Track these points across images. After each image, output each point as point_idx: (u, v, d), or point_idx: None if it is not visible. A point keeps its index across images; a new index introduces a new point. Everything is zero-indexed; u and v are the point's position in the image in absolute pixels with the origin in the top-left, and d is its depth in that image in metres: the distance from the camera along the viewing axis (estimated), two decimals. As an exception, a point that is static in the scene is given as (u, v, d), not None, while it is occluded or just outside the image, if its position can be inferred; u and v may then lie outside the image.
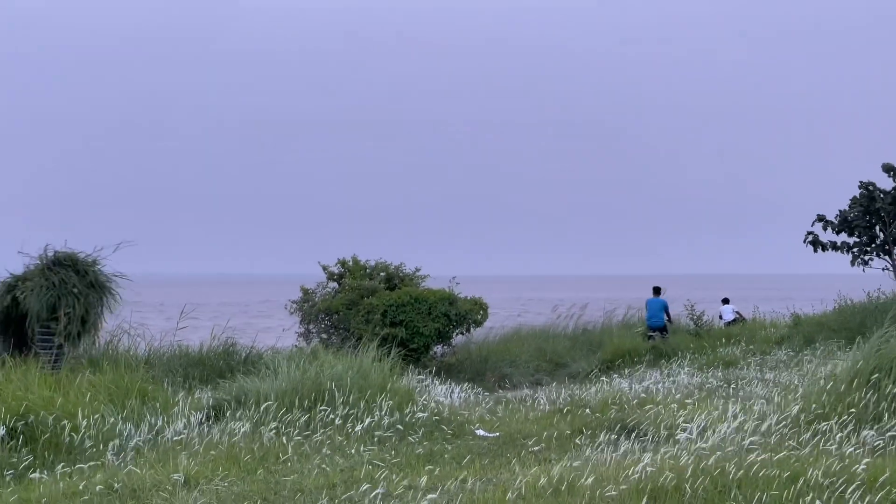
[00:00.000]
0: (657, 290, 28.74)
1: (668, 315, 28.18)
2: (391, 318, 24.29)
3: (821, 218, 29.79)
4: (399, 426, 12.81)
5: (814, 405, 11.27)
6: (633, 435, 11.71)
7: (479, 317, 25.47)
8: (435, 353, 25.45)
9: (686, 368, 21.61)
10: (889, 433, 10.03)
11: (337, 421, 12.67)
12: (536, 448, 11.67)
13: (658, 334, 27.39)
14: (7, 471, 10.81)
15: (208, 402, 14.08)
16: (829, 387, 11.56)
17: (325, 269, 26.83)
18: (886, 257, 28.72)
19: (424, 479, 9.50)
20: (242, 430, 12.24)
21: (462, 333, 25.68)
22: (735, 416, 11.70)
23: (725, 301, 33.51)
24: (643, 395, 16.57)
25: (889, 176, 28.76)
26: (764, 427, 10.77)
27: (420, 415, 13.47)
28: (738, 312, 32.58)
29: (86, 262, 17.39)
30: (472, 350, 25.62)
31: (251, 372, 15.11)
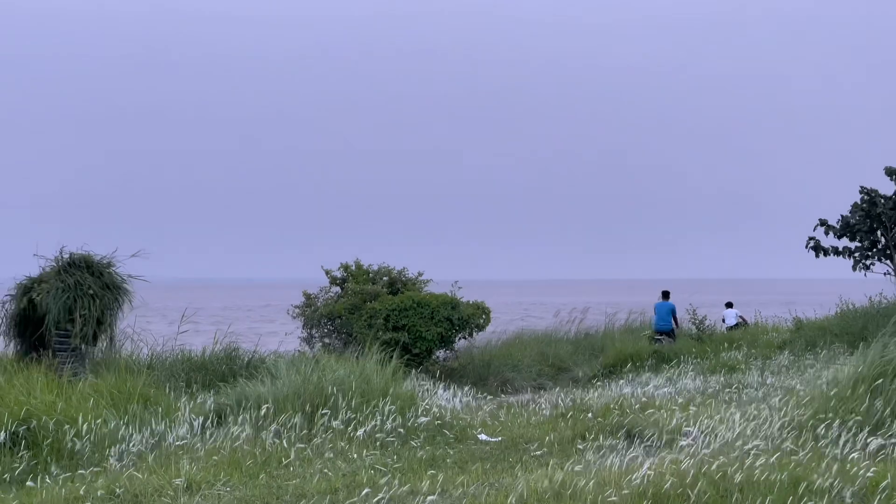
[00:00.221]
0: (666, 294, 28.91)
1: (676, 319, 28.36)
2: (394, 322, 24.29)
3: (823, 222, 29.79)
4: (401, 431, 12.81)
5: (816, 410, 11.27)
6: (636, 439, 11.72)
7: (482, 321, 25.49)
8: (437, 357, 25.45)
9: (688, 373, 21.60)
10: (891, 438, 10.03)
11: (339, 425, 12.67)
12: (538, 452, 11.67)
13: (665, 338, 27.51)
14: (9, 476, 10.83)
15: (210, 407, 14.08)
16: (831, 392, 11.56)
17: (327, 273, 26.85)
18: (888, 262, 28.71)
19: (427, 483, 9.51)
20: (244, 434, 12.25)
21: (464, 338, 25.70)
22: (737, 421, 11.70)
23: (729, 305, 33.51)
24: (645, 399, 16.56)
25: (891, 179, 28.75)
26: (766, 432, 10.78)
27: (422, 419, 13.47)
28: (741, 317, 32.59)
29: (101, 263, 17.63)
30: (475, 354, 25.61)
31: (253, 376, 15.12)
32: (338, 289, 26.63)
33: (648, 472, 8.63)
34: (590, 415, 14.76)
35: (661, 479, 8.45)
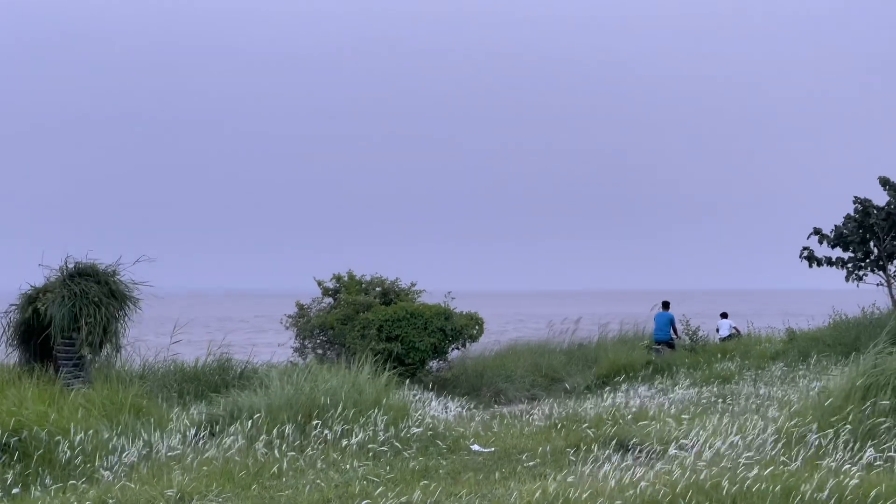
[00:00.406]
0: (666, 305, 29.17)
1: (675, 329, 28.56)
2: (387, 333, 24.30)
3: (817, 231, 29.78)
4: (394, 441, 12.78)
5: (808, 420, 11.26)
6: (629, 450, 11.71)
7: (475, 332, 25.53)
8: (431, 367, 25.47)
9: (681, 383, 21.60)
10: (883, 449, 10.03)
11: (332, 436, 12.64)
12: (531, 463, 11.65)
13: (664, 348, 27.68)
14: (0, 487, 10.79)
15: (202, 418, 14.05)
16: (824, 403, 11.55)
17: (320, 284, 26.86)
18: (881, 273, 28.73)
19: (419, 494, 9.49)
20: (237, 445, 12.21)
21: (458, 348, 25.74)
22: (730, 432, 11.69)
23: (724, 315, 33.56)
24: (638, 410, 16.55)
25: (885, 189, 28.78)
26: (758, 442, 10.77)
27: (415, 430, 13.44)
28: (734, 328, 32.60)
29: (106, 272, 17.68)
30: (468, 365, 25.61)
31: (246, 387, 15.09)
32: (331, 300, 26.65)
33: (642, 483, 8.63)
34: (583, 425, 14.74)
35: (654, 490, 8.44)
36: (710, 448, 10.68)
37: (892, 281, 28.52)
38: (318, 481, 10.64)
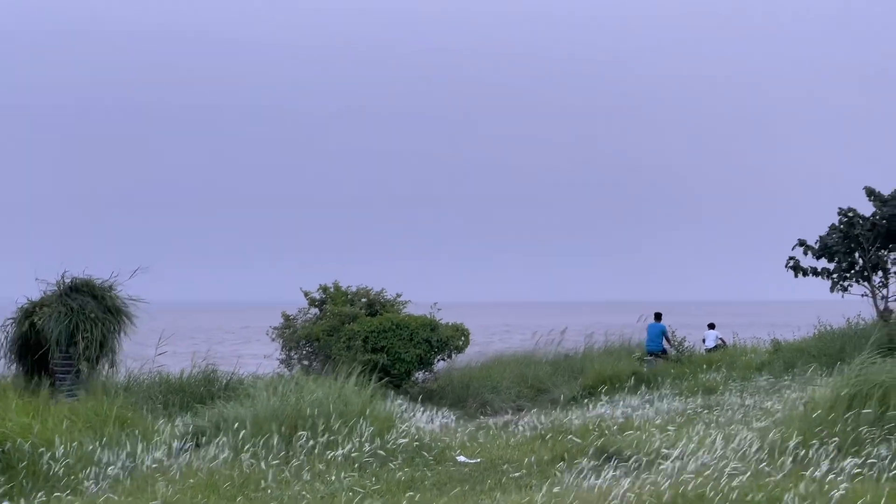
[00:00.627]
0: (658, 316, 29.32)
1: (669, 340, 28.71)
2: (372, 344, 24.28)
3: (801, 243, 29.82)
4: (380, 452, 12.77)
5: (793, 431, 11.28)
6: (615, 461, 11.71)
7: (461, 343, 25.51)
8: (416, 379, 25.44)
9: (667, 394, 21.63)
10: (868, 459, 10.05)
11: (317, 447, 12.62)
12: (517, 474, 11.65)
13: (656, 358, 27.82)
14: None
15: (188, 429, 14.02)
16: (810, 413, 11.58)
17: (306, 295, 26.83)
18: (865, 283, 28.79)
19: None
20: (222, 456, 12.18)
21: (444, 359, 25.71)
22: (715, 442, 11.71)
23: (711, 326, 33.66)
24: (624, 420, 16.57)
25: (870, 199, 28.86)
26: (744, 453, 10.78)
27: (401, 441, 13.43)
28: (720, 339, 32.68)
29: (102, 287, 17.74)
30: (454, 376, 25.58)
31: (232, 398, 15.07)
32: (316, 310, 26.61)
33: (628, 493, 8.63)
34: (569, 436, 14.75)
35: (639, 500, 8.44)
36: (695, 458, 10.69)
37: (877, 291, 28.59)
38: (304, 492, 10.62)
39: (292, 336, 25.86)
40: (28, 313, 17.51)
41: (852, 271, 28.97)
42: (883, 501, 8.26)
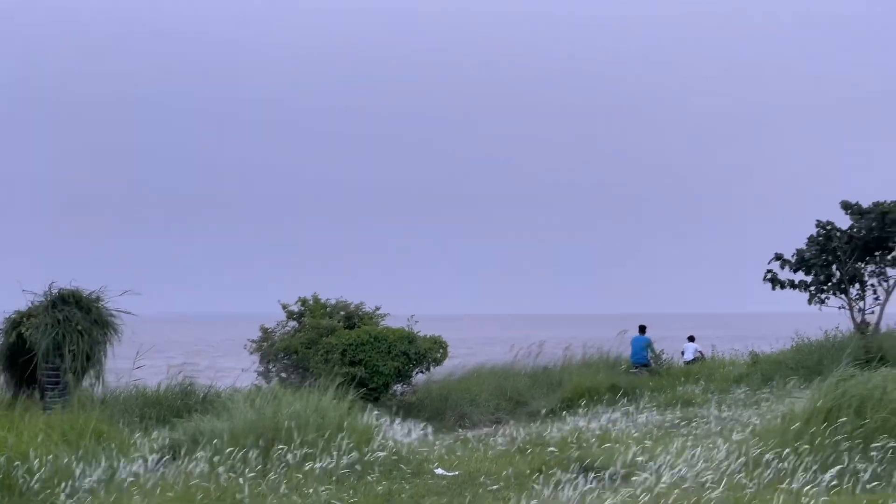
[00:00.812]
0: (642, 329, 29.63)
1: (654, 352, 28.90)
2: (350, 357, 24.23)
3: (778, 257, 29.95)
4: (358, 465, 12.73)
5: (771, 443, 11.31)
6: (593, 473, 11.70)
7: (439, 355, 25.47)
8: (395, 391, 25.39)
9: (646, 407, 21.64)
10: (845, 471, 10.08)
11: (295, 460, 12.57)
12: (495, 487, 11.63)
13: (641, 371, 27.98)
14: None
15: (165, 443, 13.95)
16: (788, 426, 11.61)
17: (284, 307, 26.76)
18: (843, 296, 28.92)
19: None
20: (198, 470, 12.12)
21: (422, 372, 25.66)
22: (693, 455, 11.72)
23: (691, 339, 33.78)
24: (602, 433, 16.57)
25: (847, 213, 29.02)
26: (721, 465, 10.80)
27: (379, 454, 13.40)
28: (699, 351, 32.78)
29: (90, 298, 17.71)
30: (432, 389, 25.53)
31: (209, 411, 15.01)
32: (295, 323, 26.54)
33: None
34: (547, 449, 14.74)
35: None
36: (672, 471, 10.70)
37: (854, 304, 28.74)
38: (281, 506, 10.57)
39: (270, 349, 25.78)
40: (16, 324, 17.51)
41: (829, 284, 29.12)
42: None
